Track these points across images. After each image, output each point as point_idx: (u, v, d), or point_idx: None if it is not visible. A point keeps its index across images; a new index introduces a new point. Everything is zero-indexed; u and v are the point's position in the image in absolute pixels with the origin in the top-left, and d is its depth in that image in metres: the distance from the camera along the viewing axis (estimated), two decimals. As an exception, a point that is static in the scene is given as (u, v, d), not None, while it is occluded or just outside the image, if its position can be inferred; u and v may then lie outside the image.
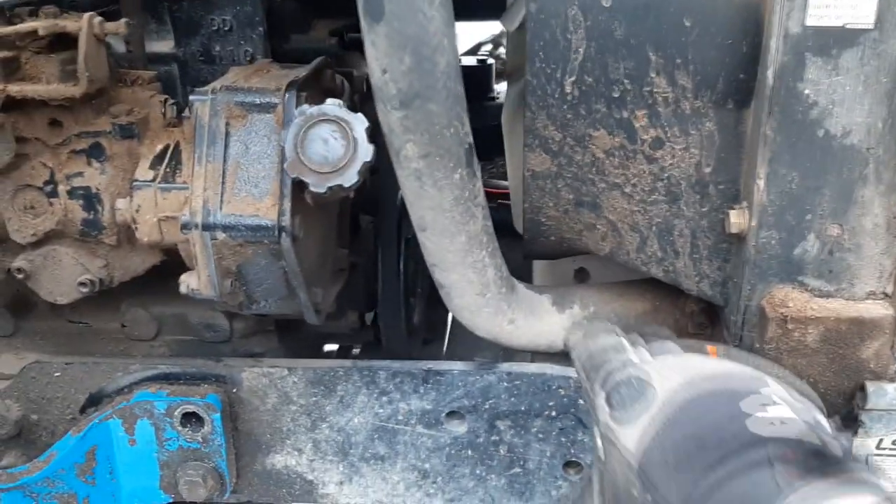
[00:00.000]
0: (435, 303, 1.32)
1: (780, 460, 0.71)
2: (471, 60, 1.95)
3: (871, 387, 1.03)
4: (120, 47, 1.17)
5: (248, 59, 1.31)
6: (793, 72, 0.97)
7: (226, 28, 1.30)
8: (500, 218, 1.32)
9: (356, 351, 1.72)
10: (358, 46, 1.58)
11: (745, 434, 0.75)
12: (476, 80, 1.93)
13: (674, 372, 0.86)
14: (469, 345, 1.63)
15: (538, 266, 1.63)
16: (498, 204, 2.07)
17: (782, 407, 0.78)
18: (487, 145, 1.38)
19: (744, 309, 1.09)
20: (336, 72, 1.32)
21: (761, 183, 1.02)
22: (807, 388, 0.96)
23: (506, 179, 2.33)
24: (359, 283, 1.52)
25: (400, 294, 1.53)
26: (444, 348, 1.91)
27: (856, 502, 0.67)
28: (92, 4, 1.24)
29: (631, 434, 0.82)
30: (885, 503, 0.66)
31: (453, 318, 1.34)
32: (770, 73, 0.98)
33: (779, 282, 1.07)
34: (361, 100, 1.46)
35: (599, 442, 0.88)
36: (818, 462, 0.72)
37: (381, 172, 1.16)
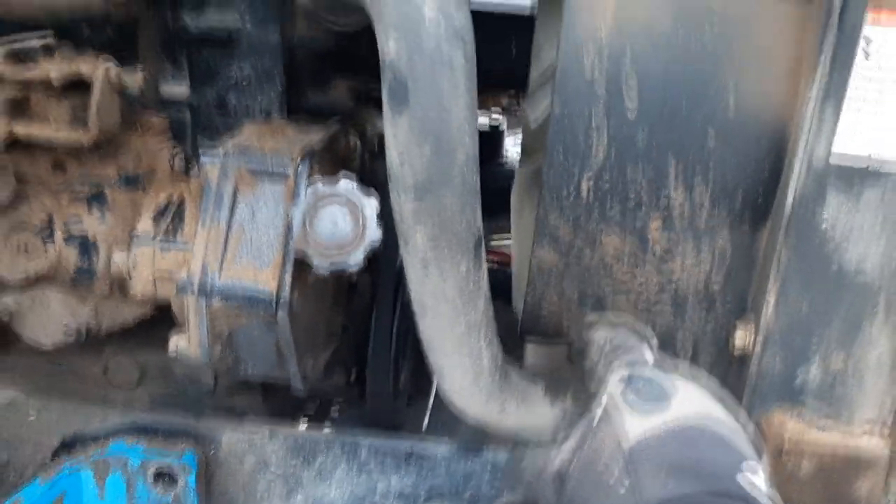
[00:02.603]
0: (423, 363, 1.30)
1: None
2: (483, 123, 1.94)
3: (863, 525, 1.01)
4: (133, 90, 1.15)
5: (263, 113, 1.29)
6: (813, 201, 0.96)
7: (244, 80, 1.28)
8: (497, 280, 1.30)
9: (335, 408, 1.69)
10: (374, 101, 1.57)
11: (734, 483, 0.77)
12: (487, 144, 1.92)
13: (694, 400, 0.87)
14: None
15: (530, 345, 1.61)
16: (496, 265, 2.07)
17: (764, 484, 0.80)
18: (494, 207, 1.37)
19: (740, 427, 1.07)
20: (350, 130, 1.31)
21: (770, 305, 1.01)
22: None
23: (507, 238, 2.33)
24: (349, 342, 1.49)
25: (390, 358, 1.50)
26: (429, 408, 1.88)
27: None
28: (109, 42, 1.22)
29: (637, 423, 0.83)
30: None
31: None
32: (790, 200, 0.97)
33: (778, 405, 1.05)
34: (372, 157, 1.44)
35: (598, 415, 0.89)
36: None
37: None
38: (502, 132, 1.94)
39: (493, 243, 2.01)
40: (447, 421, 1.92)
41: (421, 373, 1.90)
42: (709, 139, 1.00)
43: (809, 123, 0.95)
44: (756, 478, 0.79)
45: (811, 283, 0.99)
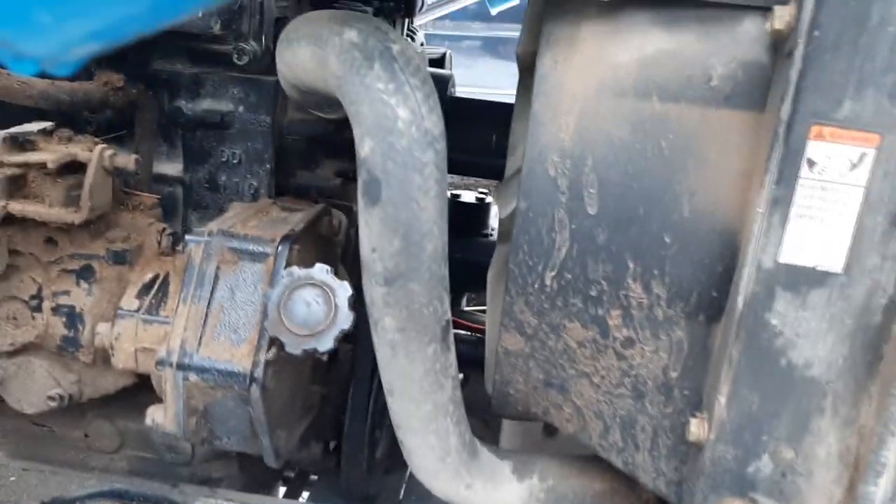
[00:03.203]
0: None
1: None
2: (470, 197, 2.01)
3: None
4: (130, 171, 1.21)
5: (252, 191, 1.36)
6: (762, 302, 1.01)
7: (235, 161, 1.35)
8: (480, 352, 1.35)
9: (314, 478, 1.71)
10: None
11: None
12: (473, 217, 1.99)
13: None
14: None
15: (507, 421, 1.64)
16: (478, 339, 2.11)
17: None
18: (479, 280, 1.42)
19: (695, 515, 1.11)
20: (336, 206, 1.37)
21: (722, 399, 1.05)
22: None
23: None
24: (327, 412, 1.53)
25: (365, 431, 1.54)
26: (406, 478, 1.90)
27: None
28: (108, 125, 1.29)
29: None
30: None
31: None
32: (740, 300, 1.02)
33: (730, 495, 1.08)
34: (357, 234, 1.50)
35: None
36: None
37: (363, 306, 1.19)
38: (489, 205, 2.01)
39: (480, 316, 2.06)
40: (424, 493, 1.95)
41: (397, 447, 1.93)
42: (665, 240, 1.05)
43: (758, 230, 1.00)
44: None
45: (761, 380, 1.03)
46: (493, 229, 2.22)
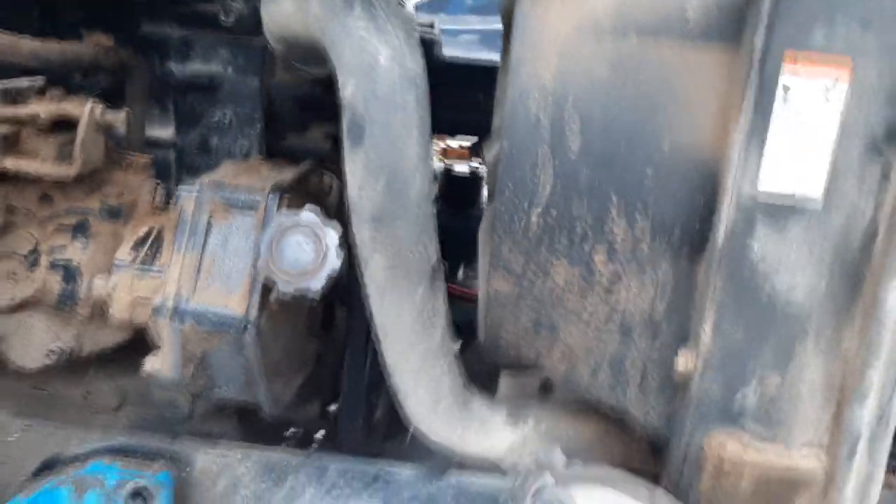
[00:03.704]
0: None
1: None
2: (463, 170, 2.04)
3: (798, 540, 1.06)
4: (120, 129, 1.24)
5: (243, 153, 1.38)
6: (742, 235, 1.03)
7: (225, 123, 1.37)
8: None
9: (319, 435, 1.73)
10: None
11: None
12: (466, 190, 2.02)
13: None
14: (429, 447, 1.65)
15: (504, 377, 1.66)
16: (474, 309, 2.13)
17: None
18: (473, 251, 1.44)
19: (685, 447, 1.13)
20: (327, 169, 1.39)
21: (707, 330, 1.07)
22: None
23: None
24: (325, 373, 1.55)
25: (363, 391, 1.56)
26: (406, 443, 1.92)
27: None
28: (99, 88, 1.31)
29: None
30: None
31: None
32: (721, 231, 1.04)
33: (719, 426, 1.10)
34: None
35: None
36: None
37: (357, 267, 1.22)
38: (481, 178, 2.03)
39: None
40: (423, 459, 1.97)
41: (397, 412, 1.95)
42: (647, 177, 1.07)
43: (737, 163, 1.02)
44: None
45: (744, 311, 1.05)
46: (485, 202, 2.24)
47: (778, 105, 0.99)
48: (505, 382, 1.71)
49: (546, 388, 1.65)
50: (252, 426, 1.47)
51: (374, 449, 1.72)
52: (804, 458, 1.09)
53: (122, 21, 1.31)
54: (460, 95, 1.55)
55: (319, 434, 1.83)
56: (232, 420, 1.40)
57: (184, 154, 1.39)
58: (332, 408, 1.68)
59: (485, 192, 2.08)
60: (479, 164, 2.11)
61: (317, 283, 1.06)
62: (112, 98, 1.23)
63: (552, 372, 1.27)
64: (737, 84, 1.02)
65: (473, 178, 2.05)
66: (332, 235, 1.06)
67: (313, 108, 1.49)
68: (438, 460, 1.56)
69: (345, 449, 1.63)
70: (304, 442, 1.79)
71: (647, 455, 1.32)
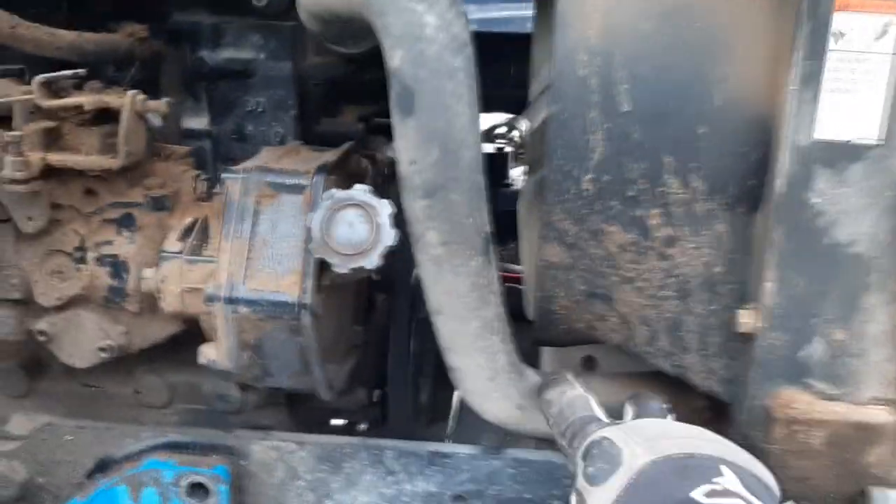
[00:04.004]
0: (443, 383, 1.34)
1: None
2: (488, 148, 2.01)
3: (874, 492, 1.04)
4: (156, 122, 1.23)
5: (278, 139, 1.37)
6: (801, 182, 1.01)
7: (259, 110, 1.36)
8: (510, 302, 1.35)
9: (363, 427, 1.72)
10: (382, 131, 1.65)
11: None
12: (493, 167, 1.98)
13: (642, 442, 0.89)
14: (477, 427, 1.64)
15: (547, 353, 1.64)
16: (509, 289, 2.11)
17: (733, 500, 0.81)
18: (502, 230, 1.42)
19: (750, 408, 1.11)
20: (361, 155, 1.38)
21: (769, 286, 1.05)
22: (770, 481, 0.93)
23: (517, 263, 2.37)
24: (369, 360, 1.54)
25: (409, 374, 1.55)
26: (449, 428, 1.91)
27: None
28: (133, 81, 1.30)
29: (600, 496, 0.86)
30: None
31: (460, 399, 1.35)
32: (779, 183, 1.02)
33: (785, 383, 1.09)
34: (384, 181, 1.51)
35: (574, 499, 0.91)
36: None
37: (396, 253, 1.20)
38: (507, 154, 2.01)
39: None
40: (469, 441, 1.95)
41: (441, 395, 1.94)
42: (699, 132, 1.05)
43: (791, 110, 1.00)
44: (725, 481, 0.81)
45: (806, 262, 1.03)
46: (512, 180, 2.22)
47: (831, 49, 0.97)
48: (547, 357, 1.70)
49: (589, 362, 1.63)
50: (301, 418, 1.46)
51: (420, 434, 1.71)
52: (874, 412, 1.07)
53: (152, 11, 1.30)
54: (488, 68, 1.54)
55: (363, 426, 1.83)
56: (282, 411, 1.39)
57: (219, 143, 1.38)
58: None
59: (512, 169, 2.06)
60: (503, 137, 2.08)
61: (373, 260, 1.05)
62: (146, 90, 1.22)
63: (608, 341, 1.25)
64: (787, 30, 1.01)
65: (499, 156, 2.02)
66: (385, 210, 1.05)
67: (346, 91, 1.48)
68: (490, 439, 1.55)
69: (393, 434, 1.62)
70: (351, 427, 1.78)
71: (708, 420, 1.30)
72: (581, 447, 0.94)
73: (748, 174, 1.06)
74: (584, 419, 1.00)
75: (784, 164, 1.01)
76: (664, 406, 1.08)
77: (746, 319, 1.09)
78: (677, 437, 0.92)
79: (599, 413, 1.03)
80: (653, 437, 0.90)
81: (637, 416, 1.04)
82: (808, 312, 1.05)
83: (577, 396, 1.06)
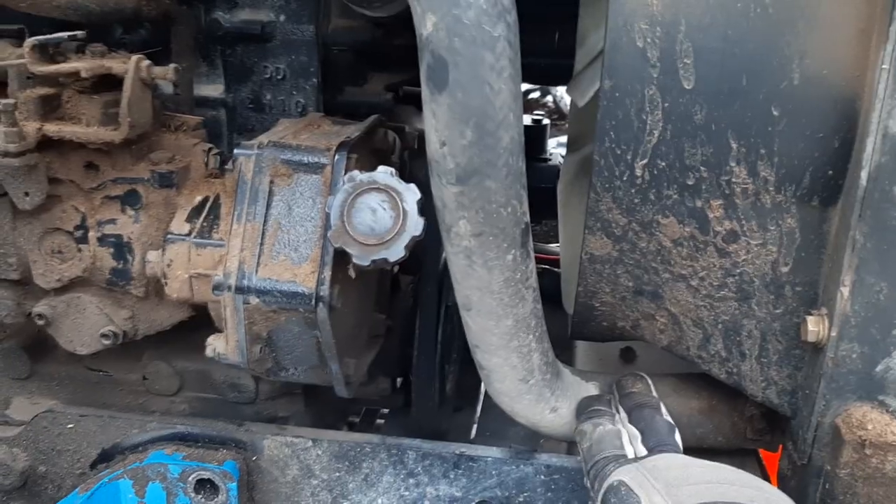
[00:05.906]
0: (469, 369, 1.24)
1: None
2: (525, 120, 1.88)
3: (956, 528, 0.92)
4: (167, 88, 1.12)
5: (299, 110, 1.26)
6: (889, 174, 0.88)
7: (279, 77, 1.25)
8: (543, 285, 1.24)
9: (381, 421, 1.64)
10: (412, 100, 1.53)
11: None
12: (530, 140, 1.86)
13: (659, 481, 0.86)
14: (503, 417, 1.55)
15: (582, 344, 1.54)
16: (542, 271, 2.00)
17: None
18: (538, 206, 1.31)
19: (815, 425, 1.00)
20: (388, 128, 1.26)
21: (846, 290, 0.93)
22: None
23: (551, 241, 2.26)
24: (393, 347, 1.44)
25: (435, 363, 1.45)
26: (477, 416, 1.82)
27: None
28: (143, 43, 1.19)
29: None
30: None
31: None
32: (864, 174, 0.89)
33: (857, 400, 0.97)
34: (412, 156, 1.39)
35: None
36: None
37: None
38: (545, 126, 1.88)
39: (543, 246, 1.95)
40: (496, 431, 1.86)
41: (466, 381, 1.85)
42: (773, 114, 0.93)
43: (882, 93, 0.87)
44: None
45: (890, 265, 0.91)
46: (550, 153, 2.09)
47: (935, 23, 0.84)
48: (582, 353, 1.59)
49: (628, 353, 1.52)
50: (318, 407, 1.37)
51: (446, 422, 1.62)
52: (958, 434, 0.95)
53: (162, -34, 1.19)
54: (529, 36, 1.41)
55: (383, 412, 1.74)
56: (299, 401, 1.30)
57: (235, 113, 1.27)
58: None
59: (550, 142, 1.93)
60: (539, 104, 1.96)
61: (397, 252, 0.94)
62: (156, 55, 1.11)
63: (653, 342, 1.14)
64: (880, 1, 0.87)
65: (537, 126, 1.89)
66: (411, 196, 0.94)
67: (372, 58, 1.36)
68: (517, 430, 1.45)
69: (417, 422, 1.53)
70: (370, 418, 1.70)
71: (761, 430, 1.19)
72: (600, 492, 0.90)
73: (826, 163, 0.94)
74: (609, 459, 0.96)
75: (870, 152, 0.89)
76: (670, 421, 1.03)
77: (815, 327, 0.97)
78: (699, 482, 0.86)
79: (629, 450, 0.98)
80: (673, 482, 0.85)
81: (644, 436, 0.99)
82: (889, 322, 0.94)
83: (609, 432, 1.01)
